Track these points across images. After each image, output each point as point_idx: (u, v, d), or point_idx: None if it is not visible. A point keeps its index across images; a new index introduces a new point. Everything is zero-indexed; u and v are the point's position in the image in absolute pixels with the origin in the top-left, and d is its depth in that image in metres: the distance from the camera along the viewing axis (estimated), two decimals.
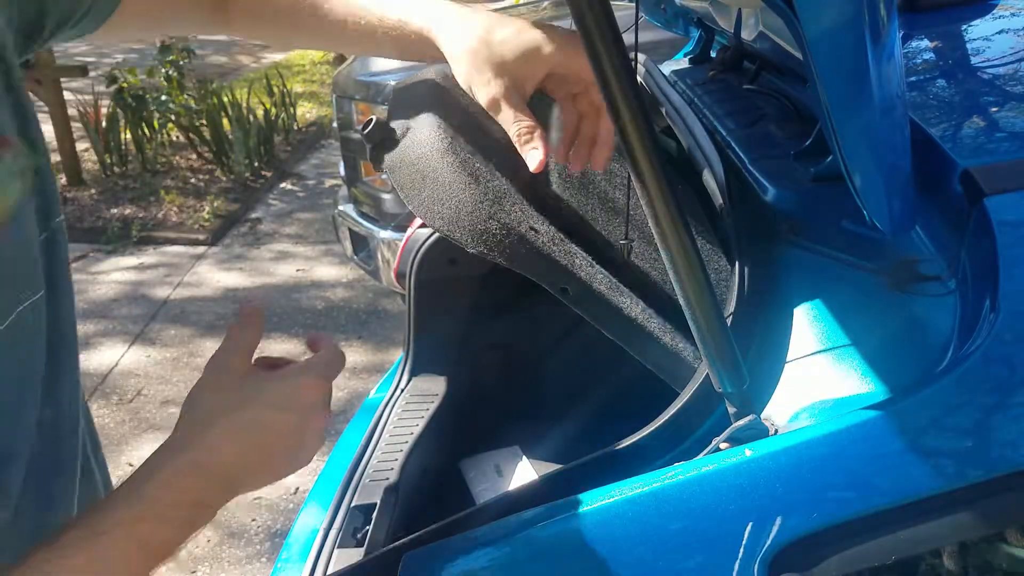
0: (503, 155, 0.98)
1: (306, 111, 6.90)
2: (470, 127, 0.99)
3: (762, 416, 0.81)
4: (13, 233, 0.78)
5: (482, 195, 0.90)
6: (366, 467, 1.18)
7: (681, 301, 0.75)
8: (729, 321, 0.92)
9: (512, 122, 0.84)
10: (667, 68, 1.68)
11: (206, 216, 4.87)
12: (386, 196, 3.58)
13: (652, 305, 0.98)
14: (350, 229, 3.73)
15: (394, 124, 0.98)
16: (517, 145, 0.85)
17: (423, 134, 0.93)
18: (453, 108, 0.99)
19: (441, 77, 1.03)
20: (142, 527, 0.68)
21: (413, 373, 1.41)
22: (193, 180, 5.45)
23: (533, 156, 0.84)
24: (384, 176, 3.50)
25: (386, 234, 3.55)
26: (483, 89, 0.85)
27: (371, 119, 0.94)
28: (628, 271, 1.02)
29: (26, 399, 0.78)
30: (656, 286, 1.05)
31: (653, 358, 0.97)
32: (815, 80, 0.71)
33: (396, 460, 1.19)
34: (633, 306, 0.96)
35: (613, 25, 0.63)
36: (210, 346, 3.59)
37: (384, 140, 0.95)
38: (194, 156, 5.74)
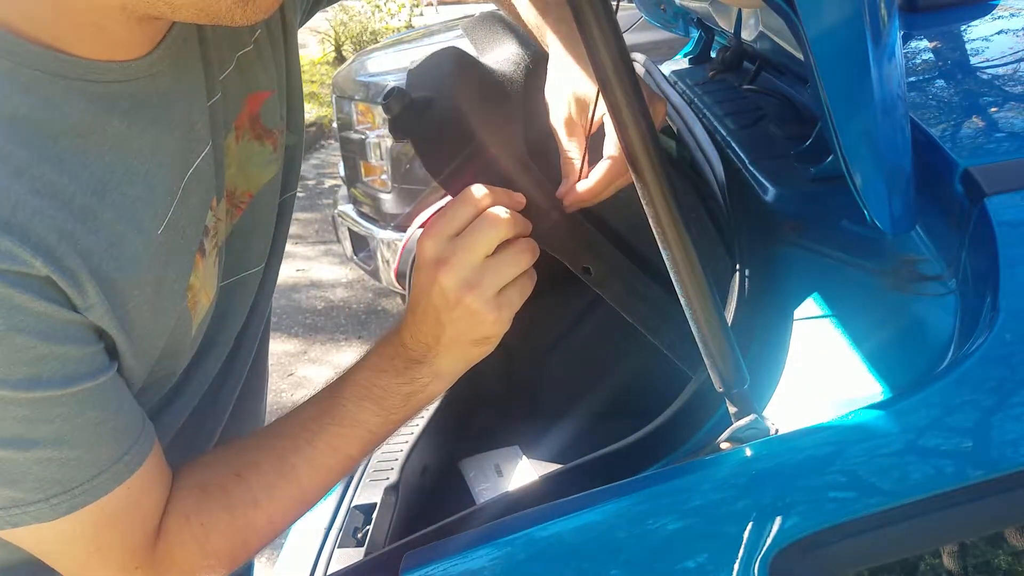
0: (524, 135, 0.98)
1: (306, 111, 6.90)
2: (493, 103, 0.99)
3: (763, 416, 0.81)
4: (256, 206, 0.91)
5: (498, 169, 0.90)
6: (366, 467, 1.18)
7: (682, 301, 0.75)
8: (730, 321, 0.92)
9: (563, 148, 0.91)
10: (667, 68, 1.68)
11: None
12: (386, 196, 3.58)
13: (670, 292, 0.99)
14: (350, 229, 3.73)
15: (414, 95, 0.97)
16: (561, 168, 0.92)
17: (446, 105, 0.92)
18: (475, 82, 0.99)
19: (462, 52, 1.03)
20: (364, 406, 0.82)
21: None
22: None
23: (563, 184, 0.90)
24: (386, 167, 3.51)
25: (386, 234, 3.55)
26: (554, 106, 0.94)
27: (391, 87, 0.93)
28: (646, 259, 1.02)
29: (218, 341, 0.91)
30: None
31: (669, 340, 0.98)
32: (816, 80, 0.71)
33: (396, 460, 1.19)
34: (651, 289, 0.97)
35: (613, 23, 0.63)
36: None
37: (404, 110, 0.94)
38: None
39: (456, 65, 0.99)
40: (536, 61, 1.18)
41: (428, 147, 0.91)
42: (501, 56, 1.15)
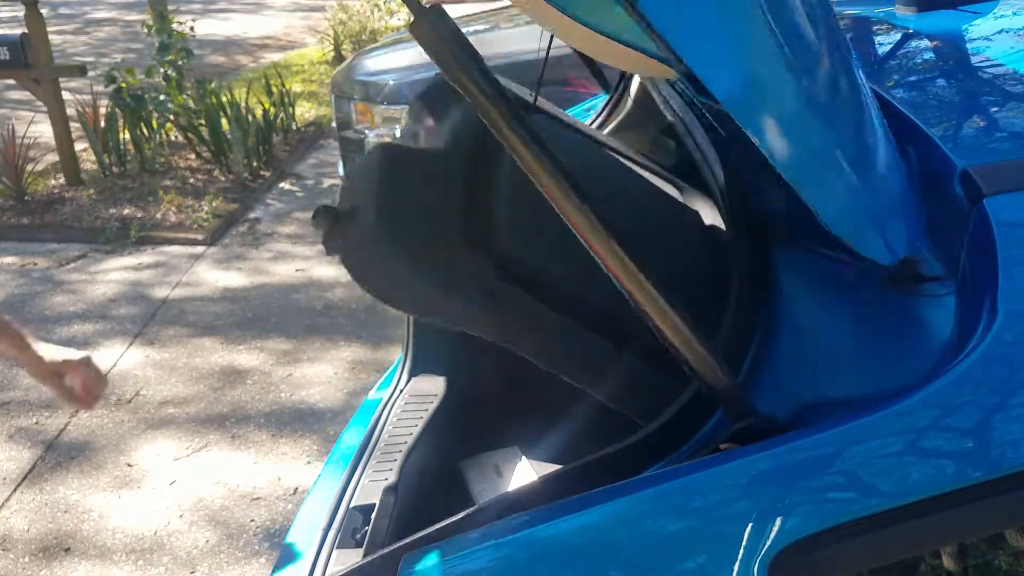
0: (460, 215, 1.00)
1: (305, 111, 6.89)
2: (420, 198, 1.00)
3: (762, 416, 0.80)
4: None
5: (431, 269, 0.92)
6: (365, 467, 1.18)
7: (651, 326, 0.76)
8: (729, 322, 0.92)
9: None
10: None
11: (205, 216, 4.87)
12: None
13: (625, 336, 1.00)
14: None
15: (342, 207, 0.97)
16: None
17: (369, 214, 0.93)
18: (401, 182, 0.99)
19: (390, 150, 1.04)
20: None
21: (412, 374, 1.40)
22: (192, 180, 5.45)
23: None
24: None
25: None
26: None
27: (319, 207, 0.95)
28: (596, 307, 1.03)
29: None
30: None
31: (610, 395, 1.00)
32: (776, 169, 0.72)
33: (395, 461, 1.19)
34: (590, 350, 0.99)
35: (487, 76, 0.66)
36: (209, 346, 3.59)
37: (332, 226, 0.94)
38: (193, 156, 5.73)
39: (380, 168, 0.99)
40: (483, 128, 1.19)
41: (356, 262, 0.93)
42: (447, 127, 1.16)
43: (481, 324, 0.94)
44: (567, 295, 1.00)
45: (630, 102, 1.68)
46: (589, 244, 0.72)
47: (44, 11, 5.18)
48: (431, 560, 0.75)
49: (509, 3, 4.85)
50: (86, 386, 1.37)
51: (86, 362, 1.38)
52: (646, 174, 1.40)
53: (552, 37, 1.58)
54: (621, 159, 1.40)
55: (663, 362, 0.96)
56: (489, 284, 0.94)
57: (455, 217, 1.00)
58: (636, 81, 1.65)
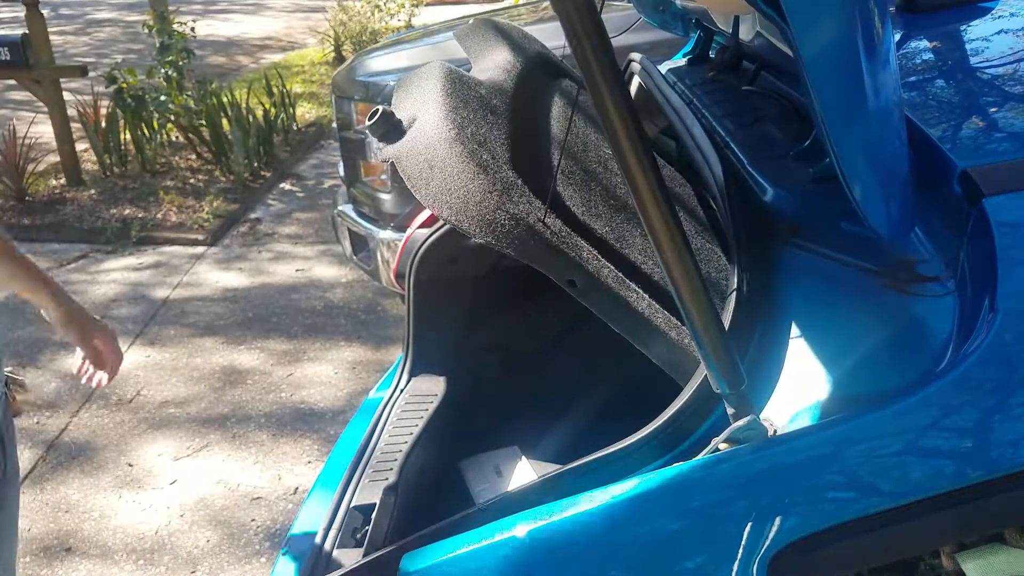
0: (511, 147, 0.98)
1: (305, 111, 6.89)
2: (478, 118, 0.99)
3: (761, 416, 0.81)
4: None
5: (490, 185, 0.89)
6: (365, 467, 1.18)
7: (677, 303, 0.75)
8: (728, 321, 0.92)
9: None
10: (666, 68, 1.68)
11: (205, 216, 4.87)
12: (385, 196, 3.58)
13: (659, 300, 0.98)
14: (349, 229, 3.73)
15: (400, 114, 0.97)
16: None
17: (430, 123, 0.92)
18: (461, 99, 0.99)
19: (447, 67, 1.03)
20: None
21: (412, 373, 1.41)
22: (192, 180, 5.45)
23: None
24: (386, 167, 3.52)
25: (385, 234, 3.54)
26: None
27: (377, 109, 0.94)
28: (635, 266, 1.02)
29: None
30: (663, 282, 1.05)
31: (657, 352, 0.97)
32: (808, 89, 0.71)
33: (395, 460, 1.19)
34: (639, 300, 0.96)
35: (601, 30, 0.63)
36: (209, 346, 3.59)
37: (390, 130, 0.94)
38: (193, 156, 5.74)
39: (442, 81, 0.99)
40: (527, 65, 1.18)
41: (413, 167, 0.91)
42: (491, 64, 1.15)
43: (534, 252, 0.91)
44: (607, 250, 0.99)
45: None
46: (648, 218, 0.70)
47: (45, 11, 5.18)
48: (431, 560, 0.75)
49: (510, 3, 4.84)
50: (111, 354, 1.47)
51: (114, 335, 1.49)
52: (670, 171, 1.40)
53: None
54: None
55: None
56: (542, 213, 0.92)
57: (505, 146, 0.99)
58: (636, 81, 1.65)
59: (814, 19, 0.66)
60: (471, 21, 1.29)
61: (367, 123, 0.93)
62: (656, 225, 0.70)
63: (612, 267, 0.96)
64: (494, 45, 1.23)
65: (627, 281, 0.97)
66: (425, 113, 0.94)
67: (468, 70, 1.21)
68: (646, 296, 0.97)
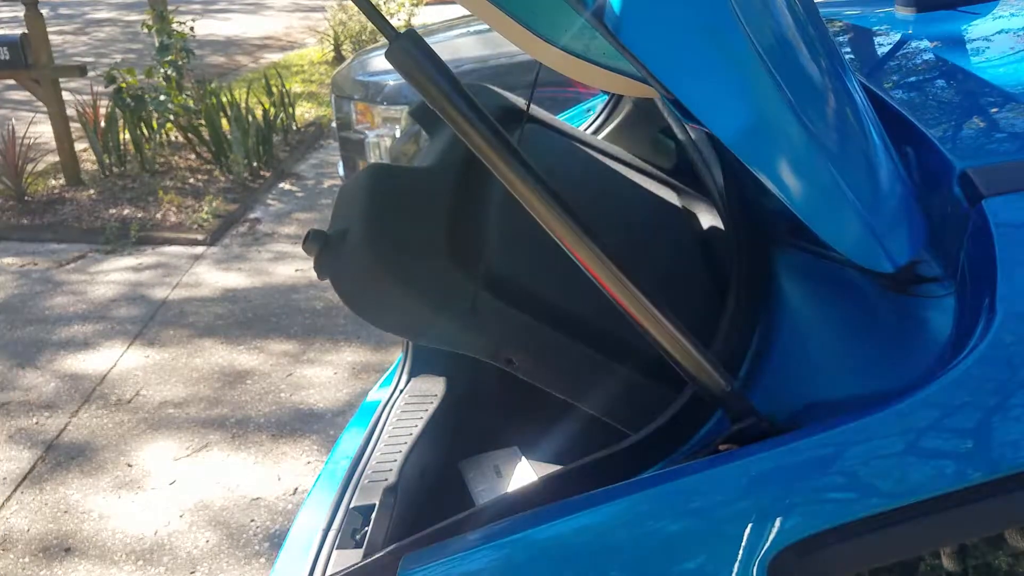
0: (448, 232, 1.00)
1: (305, 111, 6.89)
2: (406, 217, 1.00)
3: (762, 417, 0.81)
4: None
5: (414, 289, 0.92)
6: (365, 468, 1.18)
7: (640, 331, 0.76)
8: (728, 323, 0.92)
9: None
10: None
11: (205, 216, 4.87)
12: None
13: (617, 345, 1.00)
14: None
15: (333, 230, 0.98)
16: None
17: (353, 242, 0.94)
18: (386, 205, 1.00)
19: (377, 170, 1.04)
20: None
21: (412, 374, 1.40)
22: (192, 180, 5.45)
23: None
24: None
25: None
26: None
27: (309, 231, 0.96)
28: (586, 319, 1.03)
29: None
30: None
31: (601, 408, 1.00)
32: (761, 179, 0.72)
33: (395, 461, 1.19)
34: (581, 364, 0.98)
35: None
36: (209, 346, 3.59)
37: (323, 250, 0.96)
38: (193, 156, 5.74)
39: (368, 190, 1.00)
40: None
41: (345, 285, 0.93)
42: (439, 139, 1.17)
43: (465, 342, 0.94)
44: (557, 309, 1.01)
45: (630, 103, 1.68)
46: (575, 256, 0.73)
47: (44, 11, 5.18)
48: (431, 560, 0.75)
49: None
50: None
51: None
52: (642, 178, 1.40)
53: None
54: (617, 164, 1.40)
55: (659, 371, 0.96)
56: (471, 300, 0.95)
57: (440, 234, 1.00)
58: None
59: (736, 119, 0.67)
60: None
61: (303, 244, 0.95)
62: (584, 258, 0.72)
63: (552, 331, 0.99)
64: (441, 123, 1.23)
65: (569, 343, 0.99)
66: (352, 227, 0.96)
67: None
68: (590, 352, 0.99)
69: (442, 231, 1.00)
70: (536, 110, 1.30)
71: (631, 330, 0.77)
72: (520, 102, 1.29)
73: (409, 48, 0.68)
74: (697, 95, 0.65)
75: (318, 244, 0.94)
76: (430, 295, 0.92)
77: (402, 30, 0.70)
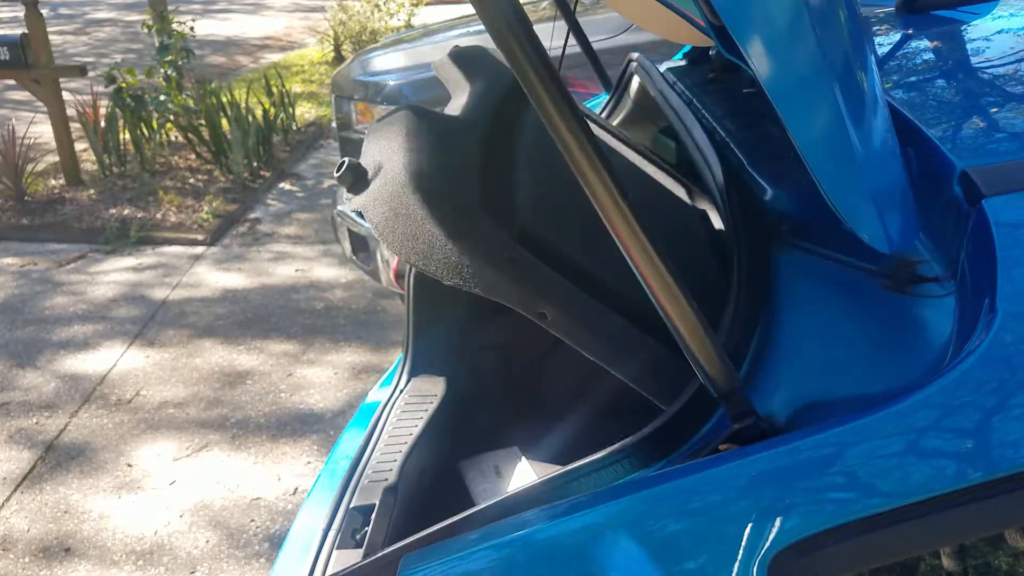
0: (480, 183, 0.99)
1: (305, 111, 6.89)
2: (444, 160, 1.00)
3: (762, 417, 0.81)
4: None
5: (452, 228, 0.91)
6: (365, 468, 1.18)
7: (660, 311, 0.76)
8: (728, 323, 0.92)
9: None
10: (665, 68, 1.68)
11: (205, 216, 4.87)
12: None
13: (639, 316, 0.99)
14: (349, 229, 3.73)
15: (366, 163, 0.98)
16: None
17: (393, 172, 0.94)
18: (425, 143, 1.00)
19: (414, 111, 1.04)
20: None
21: (412, 374, 1.40)
22: (192, 180, 5.45)
23: None
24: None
25: None
26: None
27: (343, 161, 0.96)
28: (612, 284, 1.02)
29: None
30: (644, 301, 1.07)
31: (632, 375, 0.99)
32: (785, 126, 0.71)
33: (395, 461, 1.19)
34: (612, 326, 0.98)
35: (528, 29, 0.63)
36: (209, 346, 3.59)
37: (356, 180, 0.96)
38: (193, 156, 5.74)
39: (406, 127, 1.00)
40: (504, 93, 1.18)
41: (380, 217, 0.93)
42: (466, 97, 1.16)
43: (502, 289, 0.93)
44: (587, 275, 1.00)
45: (630, 102, 1.68)
46: (615, 230, 0.71)
47: (44, 11, 5.18)
48: (431, 560, 0.75)
49: None
50: None
51: None
52: (659, 172, 1.40)
53: (567, 35, 1.57)
54: (639, 158, 1.41)
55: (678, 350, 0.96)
56: (510, 250, 0.94)
57: (473, 182, 1.00)
58: (636, 81, 1.65)
59: (775, 55, 0.66)
60: (450, 50, 1.29)
61: (335, 174, 0.95)
62: (622, 233, 0.71)
63: (583, 293, 0.98)
64: (471, 75, 1.23)
65: (601, 308, 0.98)
66: (389, 161, 0.96)
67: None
68: (621, 320, 0.98)
69: (474, 179, 1.00)
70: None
71: (654, 309, 0.76)
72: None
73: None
74: (744, 27, 0.64)
75: (354, 175, 0.94)
76: (466, 238, 0.91)
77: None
